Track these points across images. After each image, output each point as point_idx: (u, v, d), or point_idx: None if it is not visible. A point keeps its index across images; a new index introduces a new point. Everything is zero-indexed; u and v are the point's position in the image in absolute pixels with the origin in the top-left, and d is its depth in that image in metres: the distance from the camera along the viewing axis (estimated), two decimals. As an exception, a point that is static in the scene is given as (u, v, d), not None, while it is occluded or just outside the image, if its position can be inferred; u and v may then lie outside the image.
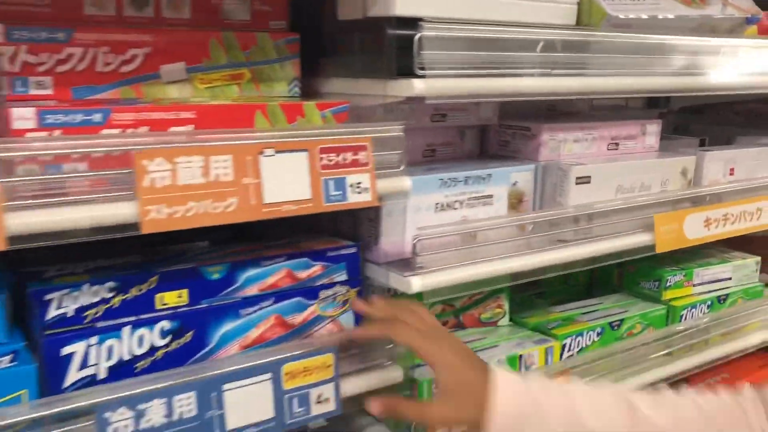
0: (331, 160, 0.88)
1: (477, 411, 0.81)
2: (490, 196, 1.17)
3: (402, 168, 0.96)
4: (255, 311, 0.97)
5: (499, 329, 1.30)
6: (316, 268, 1.02)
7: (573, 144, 1.27)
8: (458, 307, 1.28)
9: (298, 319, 1.01)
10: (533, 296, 1.48)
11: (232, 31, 1.02)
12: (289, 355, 0.91)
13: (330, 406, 0.94)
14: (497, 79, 0.98)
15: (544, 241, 1.15)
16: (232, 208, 0.81)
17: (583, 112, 1.52)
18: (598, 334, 1.31)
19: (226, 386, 0.86)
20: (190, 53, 0.99)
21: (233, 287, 0.96)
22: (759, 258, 1.57)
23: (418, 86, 0.92)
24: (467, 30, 0.95)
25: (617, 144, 1.34)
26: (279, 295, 0.99)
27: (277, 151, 0.84)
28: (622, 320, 1.34)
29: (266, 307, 0.98)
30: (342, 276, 1.05)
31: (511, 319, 1.33)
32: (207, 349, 0.94)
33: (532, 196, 1.22)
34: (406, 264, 1.02)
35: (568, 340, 1.27)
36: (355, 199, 0.90)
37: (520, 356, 1.19)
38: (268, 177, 0.83)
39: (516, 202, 1.21)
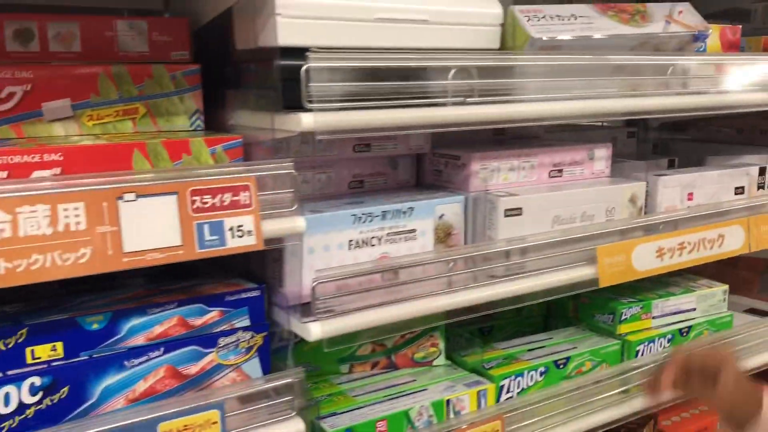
0: (205, 203, 0.82)
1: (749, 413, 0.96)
2: (413, 231, 1.10)
3: (295, 207, 0.89)
4: (142, 362, 0.91)
5: (434, 370, 1.22)
6: (213, 314, 0.96)
7: (509, 172, 1.20)
8: (390, 347, 1.21)
9: (194, 369, 0.94)
10: (482, 330, 1.41)
11: (123, 65, 0.97)
12: (165, 413, 0.84)
13: (217, 466, 0.88)
14: (398, 111, 0.92)
15: (470, 278, 1.07)
16: (85, 259, 0.75)
17: (532, 137, 1.44)
18: (542, 374, 1.23)
19: (92, 449, 0.80)
20: (76, 89, 0.94)
21: (116, 338, 0.90)
22: (726, 286, 1.47)
23: (305, 121, 0.86)
24: (361, 59, 0.89)
25: (560, 171, 1.26)
26: (170, 344, 0.93)
27: (140, 196, 0.78)
28: (568, 358, 1.26)
29: (155, 357, 0.92)
30: (244, 321, 0.98)
31: (449, 357, 1.25)
32: (87, 404, 0.88)
33: (462, 229, 1.15)
34: (307, 309, 0.96)
35: (506, 381, 1.19)
36: (236, 243, 0.84)
37: (448, 401, 1.11)
38: (128, 224, 0.77)
39: (444, 235, 1.14)
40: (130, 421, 0.82)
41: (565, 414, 1.23)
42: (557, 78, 1.07)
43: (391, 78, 0.92)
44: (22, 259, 0.71)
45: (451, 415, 1.11)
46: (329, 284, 0.94)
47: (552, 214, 1.18)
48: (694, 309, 1.44)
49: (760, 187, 1.48)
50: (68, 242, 0.74)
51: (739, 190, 1.43)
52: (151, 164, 0.88)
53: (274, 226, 0.87)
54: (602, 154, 1.31)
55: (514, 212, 1.13)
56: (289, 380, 0.94)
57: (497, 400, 1.18)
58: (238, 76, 1.04)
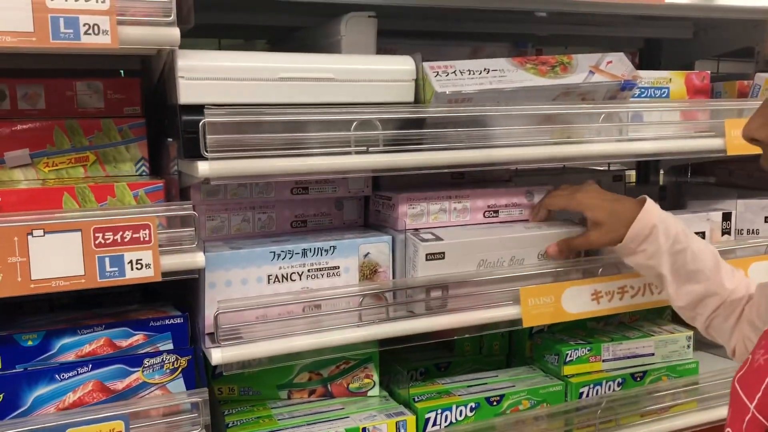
0: (107, 239, 0.95)
1: (624, 229, 1.17)
2: (337, 267, 1.19)
3: (195, 245, 1.01)
4: (71, 377, 1.05)
5: (367, 400, 1.29)
6: (138, 337, 1.09)
7: (439, 213, 1.27)
8: (326, 376, 1.30)
9: (120, 385, 1.07)
10: (438, 366, 1.46)
11: (75, 119, 1.14)
12: (73, 420, 0.97)
13: (119, 475, 0.99)
14: (289, 159, 1.02)
15: (378, 312, 1.15)
16: (-4, 284, 0.90)
17: (497, 180, 1.47)
18: (472, 410, 1.27)
19: (4, 448, 0.94)
20: (34, 140, 1.12)
21: (48, 353, 1.05)
22: (691, 332, 1.45)
23: (202, 168, 0.98)
24: (252, 114, 1.00)
25: (497, 212, 1.31)
26: (97, 362, 1.06)
27: (47, 232, 0.92)
28: (503, 396, 1.29)
29: (84, 373, 1.06)
30: (168, 345, 1.11)
31: (388, 389, 1.32)
32: (20, 410, 1.02)
33: (390, 267, 1.23)
34: (212, 337, 1.07)
35: (431, 414, 1.24)
36: (135, 275, 0.97)
37: (363, 429, 1.18)
38: (36, 255, 0.92)
39: (370, 273, 1.22)
40: (41, 425, 0.96)
41: (496, 451, 1.26)
42: (463, 129, 1.14)
43: (293, 130, 1.03)
44: (-59, 283, 0.87)
45: (368, 444, 1.18)
46: (231, 314, 1.05)
47: (478, 258, 1.22)
48: (653, 354, 1.43)
49: (725, 232, 1.45)
50: (-17, 270, 0.89)
51: (700, 235, 1.41)
52: (79, 205, 1.03)
53: (173, 261, 0.99)
54: (542, 196, 1.34)
55: (437, 256, 1.19)
56: (194, 399, 1.05)
57: (420, 432, 1.23)
58: (172, 127, 1.19)
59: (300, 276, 1.17)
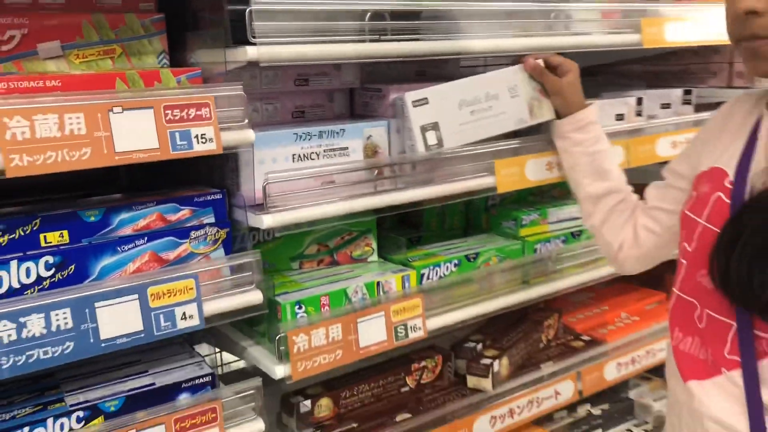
0: (175, 116, 1.06)
1: (570, 107, 1.44)
2: (346, 148, 1.36)
3: (245, 122, 1.14)
4: (130, 248, 1.16)
5: (369, 264, 1.50)
6: (185, 212, 1.21)
7: (424, 101, 1.46)
8: (332, 247, 1.48)
9: (171, 255, 1.20)
10: (411, 240, 1.68)
11: (101, 13, 1.20)
12: (152, 279, 1.10)
13: (195, 322, 1.14)
14: (324, 45, 1.17)
15: (387, 183, 1.34)
16: (86, 156, 0.99)
17: (449, 74, 1.69)
18: (456, 265, 1.51)
19: (98, 304, 1.05)
20: (64, 33, 1.17)
21: (109, 228, 1.15)
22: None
23: (251, 53, 1.11)
24: (293, 3, 1.14)
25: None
26: (152, 234, 1.18)
27: (125, 109, 1.02)
28: (478, 253, 1.55)
29: (141, 245, 1.17)
30: (210, 218, 1.24)
31: (382, 257, 1.53)
32: (90, 279, 1.12)
33: (387, 148, 1.41)
34: (260, 206, 1.21)
35: (426, 270, 1.47)
36: (201, 148, 1.09)
37: (378, 282, 1.39)
38: (118, 130, 1.01)
39: (372, 153, 1.40)
40: (128, 285, 1.07)
41: (477, 297, 1.52)
42: (458, 21, 1.33)
43: (318, 19, 1.17)
44: (40, 154, 0.95)
45: (381, 294, 1.39)
46: (276, 185, 1.20)
47: (457, 99, 1.39)
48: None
49: (638, 114, 1.77)
50: (73, 143, 0.98)
51: (620, 117, 1.72)
52: (130, 89, 1.11)
53: (230, 137, 1.12)
54: (503, 86, 1.57)
55: (421, 102, 1.36)
56: (248, 260, 1.20)
57: (418, 284, 1.45)
58: (196, 22, 1.28)
59: (318, 155, 1.33)
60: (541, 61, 1.49)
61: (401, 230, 1.73)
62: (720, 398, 1.02)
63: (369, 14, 1.23)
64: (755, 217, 0.97)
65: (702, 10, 1.75)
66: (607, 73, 2.33)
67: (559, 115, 1.48)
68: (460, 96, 1.40)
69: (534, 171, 1.52)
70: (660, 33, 1.67)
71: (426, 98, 1.35)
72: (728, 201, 1.03)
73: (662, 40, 1.65)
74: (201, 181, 1.32)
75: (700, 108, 1.88)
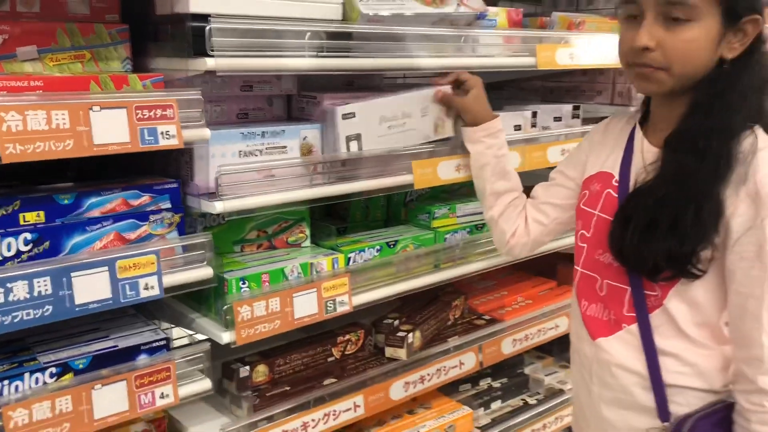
0: (145, 115, 1.25)
1: (481, 119, 1.68)
2: (285, 147, 1.58)
3: (202, 122, 1.34)
4: (98, 228, 1.33)
5: (302, 249, 1.72)
6: (145, 198, 1.40)
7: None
8: (270, 233, 1.69)
9: (133, 235, 1.38)
10: (338, 230, 1.91)
11: (74, 23, 1.37)
12: (121, 254, 1.28)
13: (155, 292, 1.33)
14: (271, 59, 1.39)
15: (320, 179, 1.56)
16: (70, 147, 1.17)
17: (374, 86, 1.94)
18: (378, 251, 1.76)
19: (74, 274, 1.22)
20: (40, 39, 1.33)
21: (80, 210, 1.32)
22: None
23: (210, 63, 1.31)
24: (245, 23, 1.35)
25: (390, 108, 1.77)
26: (116, 217, 1.36)
27: (102, 108, 1.20)
28: (397, 241, 1.80)
29: (107, 226, 1.34)
30: (167, 204, 1.42)
31: (314, 243, 1.75)
32: (62, 254, 1.29)
33: (320, 148, 1.64)
34: (213, 194, 1.41)
35: (352, 254, 1.70)
36: (165, 142, 1.28)
37: (311, 264, 1.61)
38: (96, 126, 1.19)
39: (307, 151, 1.62)
40: (100, 258, 1.25)
41: (396, 277, 1.76)
42: (384, 42, 1.58)
43: (267, 37, 1.38)
44: (30, 144, 1.13)
45: (314, 273, 1.61)
46: (227, 176, 1.40)
47: (378, 115, 1.64)
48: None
49: (533, 125, 2.07)
50: (58, 135, 1.16)
51: (517, 127, 2.01)
52: (103, 91, 1.29)
53: (189, 134, 1.32)
54: (420, 98, 1.83)
55: (349, 116, 1.60)
56: (202, 240, 1.40)
57: (346, 265, 1.68)
58: (156, 33, 1.46)
59: (260, 152, 1.54)
60: (449, 88, 1.74)
61: (329, 221, 1.96)
62: (622, 349, 1.30)
63: (308, 34, 1.46)
64: (639, 202, 1.24)
65: (588, 39, 2.07)
66: (511, 87, 2.64)
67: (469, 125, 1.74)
68: (381, 113, 1.65)
69: (445, 171, 1.79)
70: (552, 57, 1.97)
71: (354, 113, 1.59)
72: (616, 195, 1.32)
73: (554, 63, 1.95)
74: (155, 172, 1.50)
75: (586, 121, 2.20)
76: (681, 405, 1.26)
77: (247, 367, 1.65)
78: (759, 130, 1.21)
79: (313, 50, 1.47)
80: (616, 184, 1.33)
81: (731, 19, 1.18)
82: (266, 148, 1.55)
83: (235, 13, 1.35)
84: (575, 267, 1.41)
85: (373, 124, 1.64)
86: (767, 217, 1.15)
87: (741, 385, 1.21)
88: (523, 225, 1.62)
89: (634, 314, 1.29)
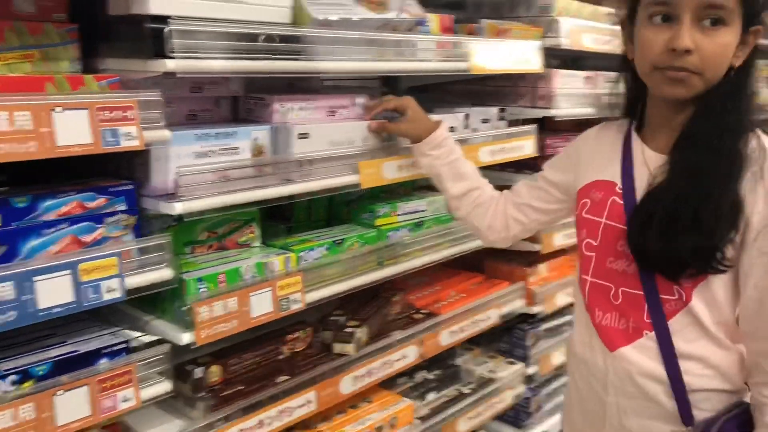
0: (106, 116, 1.24)
1: (424, 133, 1.74)
2: (237, 148, 1.59)
3: (162, 123, 1.34)
4: (54, 231, 1.31)
5: (253, 249, 1.73)
6: (101, 200, 1.38)
7: (299, 111, 1.74)
8: (220, 234, 1.70)
9: (89, 238, 1.36)
10: (285, 229, 1.94)
11: (22, 21, 1.33)
12: (83, 257, 1.26)
13: (118, 294, 1.31)
14: (228, 61, 1.41)
15: (274, 179, 1.59)
16: (33, 149, 1.15)
17: (314, 88, 1.98)
18: (327, 249, 1.80)
19: (36, 278, 1.20)
20: (-13, 38, 1.29)
21: (36, 213, 1.29)
22: (447, 195, 2.16)
23: (170, 65, 1.31)
24: (205, 25, 1.36)
25: (334, 111, 1.83)
26: (72, 219, 1.33)
27: (65, 109, 1.19)
28: (343, 239, 1.85)
29: (63, 229, 1.32)
30: (123, 206, 1.41)
31: (263, 243, 1.77)
32: (18, 258, 1.26)
33: (270, 149, 1.66)
34: (172, 195, 1.41)
35: (303, 253, 1.74)
36: (127, 144, 1.28)
37: (265, 263, 1.63)
38: (59, 127, 1.18)
39: (258, 153, 1.64)
40: (63, 261, 1.23)
41: (344, 275, 1.81)
42: (331, 45, 1.62)
43: (224, 39, 1.40)
44: (-6, 146, 1.10)
45: (268, 272, 1.64)
46: (186, 177, 1.41)
47: (328, 139, 1.72)
48: (425, 210, 2.11)
49: (466, 127, 2.18)
50: (21, 137, 1.13)
51: (452, 129, 2.11)
52: (59, 92, 1.27)
53: (149, 135, 1.32)
54: (361, 101, 1.89)
55: (305, 136, 1.66)
56: (162, 241, 1.40)
57: (297, 264, 1.72)
58: (108, 33, 1.45)
59: (214, 153, 1.55)
60: (380, 109, 1.81)
61: (274, 222, 1.98)
62: (645, 357, 1.28)
63: (263, 37, 1.49)
64: (657, 202, 1.22)
65: (514, 45, 2.20)
66: (436, 91, 2.75)
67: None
68: (331, 137, 1.70)
69: (389, 171, 1.86)
70: (484, 62, 2.08)
71: (308, 133, 1.64)
72: (621, 202, 1.31)
73: (485, 68, 2.07)
74: (112, 174, 1.48)
75: (511, 123, 2.34)
76: (704, 409, 1.26)
77: (202, 369, 1.65)
78: (760, 132, 1.24)
79: (268, 53, 1.49)
80: (620, 191, 1.32)
81: (747, 26, 1.19)
82: (219, 150, 1.56)
83: (194, 15, 1.36)
84: (583, 277, 1.38)
85: (323, 147, 1.70)
86: None
87: (757, 377, 1.23)
88: (503, 223, 1.64)
89: (651, 321, 1.27)
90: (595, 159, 1.42)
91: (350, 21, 1.66)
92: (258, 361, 1.79)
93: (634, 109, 1.39)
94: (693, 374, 1.26)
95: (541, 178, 1.60)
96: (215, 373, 1.68)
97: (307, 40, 1.59)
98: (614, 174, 1.36)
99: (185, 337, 1.46)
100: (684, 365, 1.26)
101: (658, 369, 1.27)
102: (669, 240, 1.20)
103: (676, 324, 1.26)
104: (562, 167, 1.54)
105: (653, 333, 1.27)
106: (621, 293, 1.31)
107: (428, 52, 1.95)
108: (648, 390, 1.29)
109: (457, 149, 1.77)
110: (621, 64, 1.38)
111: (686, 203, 1.19)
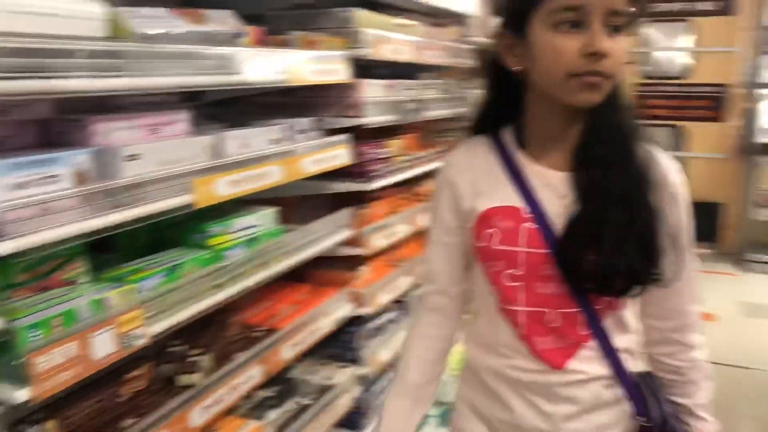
0: None
1: None
2: (57, 176, 1.43)
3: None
4: None
5: (81, 285, 1.57)
6: None
7: (120, 131, 1.61)
8: (41, 273, 1.51)
9: None
10: (110, 259, 1.78)
11: None
12: None
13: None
14: (47, 81, 1.26)
15: (100, 207, 1.45)
16: None
17: (126, 106, 1.84)
18: (165, 275, 1.69)
19: None
20: None
21: None
22: (277, 209, 2.14)
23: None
24: (10, 41, 1.20)
25: (156, 129, 1.72)
26: None
27: None
28: (179, 264, 1.75)
29: None
30: (-72, 254, 1.20)
31: (94, 278, 1.61)
32: None
33: (95, 174, 1.52)
34: (-8, 234, 1.23)
35: (140, 284, 1.61)
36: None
37: (101, 299, 1.49)
38: None
39: (81, 179, 1.49)
40: None
41: (182, 304, 1.71)
42: (155, 60, 1.53)
43: (41, 56, 1.26)
44: None
45: (106, 309, 1.49)
46: (8, 213, 1.24)
47: (158, 158, 1.62)
48: (256, 225, 2.07)
49: (287, 139, 2.18)
50: None
51: (273, 141, 2.09)
52: None
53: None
54: (182, 117, 1.80)
55: (134, 157, 1.54)
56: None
57: (137, 297, 1.59)
58: None
59: (32, 184, 1.38)
60: None
61: (94, 253, 1.81)
62: (589, 362, 1.30)
63: (83, 53, 1.36)
64: (582, 230, 1.21)
65: (330, 56, 2.25)
66: (244, 103, 2.70)
67: None
68: (160, 157, 1.61)
69: (223, 188, 1.79)
70: (301, 73, 2.10)
71: (138, 154, 1.52)
72: (536, 226, 1.25)
73: (306, 78, 2.09)
74: None
75: (331, 132, 2.38)
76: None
77: (35, 428, 1.46)
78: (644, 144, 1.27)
79: (89, 70, 1.37)
80: (529, 216, 1.27)
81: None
82: (38, 179, 1.39)
83: (6, 31, 1.20)
84: (511, 308, 1.31)
85: (153, 165, 1.59)
86: (687, 215, 1.28)
87: (667, 348, 1.35)
88: (455, 313, 1.48)
89: (589, 331, 1.29)
90: (478, 183, 1.33)
91: (172, 35, 1.58)
92: (98, 407, 1.62)
93: (500, 124, 1.35)
94: (627, 364, 1.34)
95: (440, 234, 1.42)
96: (52, 428, 1.50)
97: (130, 55, 1.48)
98: (512, 198, 1.28)
99: (21, 395, 1.28)
100: (622, 358, 1.32)
101: (601, 369, 1.31)
102: (605, 263, 1.20)
103: (608, 325, 1.31)
104: (453, 207, 1.37)
105: (592, 341, 1.30)
106: (557, 315, 1.29)
107: (250, 65, 1.91)
108: (595, 389, 1.32)
109: (424, 405, 1.51)
110: (491, 80, 1.35)
111: (613, 225, 1.20)
